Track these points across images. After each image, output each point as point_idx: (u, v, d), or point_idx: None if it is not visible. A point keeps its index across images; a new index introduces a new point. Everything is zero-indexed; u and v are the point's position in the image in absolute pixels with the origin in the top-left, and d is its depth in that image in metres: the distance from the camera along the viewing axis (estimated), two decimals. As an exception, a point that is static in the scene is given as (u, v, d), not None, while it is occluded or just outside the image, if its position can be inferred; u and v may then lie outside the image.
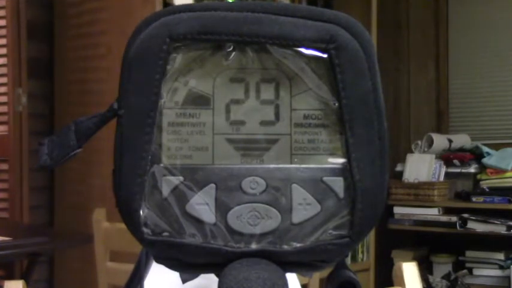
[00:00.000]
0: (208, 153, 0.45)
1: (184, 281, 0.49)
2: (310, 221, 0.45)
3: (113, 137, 0.44)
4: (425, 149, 3.56)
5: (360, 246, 3.24)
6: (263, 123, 0.45)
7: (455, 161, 3.48)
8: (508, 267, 3.29)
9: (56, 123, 3.17)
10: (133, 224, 0.44)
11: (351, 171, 0.44)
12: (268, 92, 0.45)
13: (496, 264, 3.34)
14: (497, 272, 3.34)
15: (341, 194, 0.45)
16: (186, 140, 0.45)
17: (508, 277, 3.28)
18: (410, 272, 0.73)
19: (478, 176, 3.46)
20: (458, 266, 3.45)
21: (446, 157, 3.52)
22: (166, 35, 0.44)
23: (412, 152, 3.61)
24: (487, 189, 3.36)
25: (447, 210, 3.41)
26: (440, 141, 3.53)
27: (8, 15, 3.00)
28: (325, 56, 0.45)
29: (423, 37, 3.81)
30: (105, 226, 1.89)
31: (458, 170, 3.49)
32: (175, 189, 0.44)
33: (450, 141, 3.55)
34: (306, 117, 0.45)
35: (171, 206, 0.44)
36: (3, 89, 3.17)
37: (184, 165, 0.45)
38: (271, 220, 0.44)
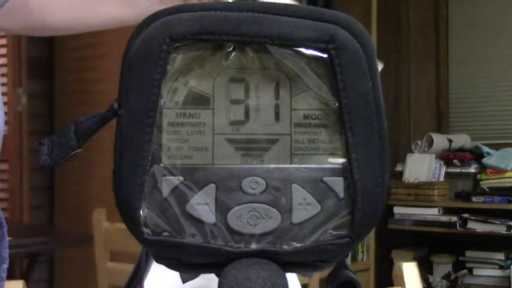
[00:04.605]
0: (208, 153, 0.45)
1: (184, 281, 0.49)
2: (310, 221, 0.45)
3: (113, 137, 0.44)
4: (425, 149, 3.56)
5: (360, 246, 3.24)
6: (263, 123, 0.45)
7: (455, 161, 3.48)
8: (508, 267, 3.29)
9: (56, 123, 3.17)
10: (133, 224, 0.44)
11: (351, 171, 0.44)
12: (268, 92, 0.45)
13: (496, 264, 3.34)
14: (497, 272, 3.34)
15: (341, 194, 0.45)
16: (186, 140, 0.45)
17: (508, 277, 3.28)
18: (410, 272, 0.73)
19: (478, 176, 3.46)
20: (458, 266, 3.45)
21: (446, 157, 3.52)
22: (166, 35, 0.44)
23: (412, 152, 3.61)
24: (487, 189, 3.36)
25: (447, 210, 3.40)
26: (440, 141, 3.53)
27: (8, 15, 3.00)
28: (325, 56, 0.45)
29: (423, 37, 3.81)
30: (105, 226, 1.89)
31: (458, 170, 3.49)
32: (175, 189, 0.44)
33: (450, 141, 3.55)
34: (306, 117, 0.45)
35: (171, 206, 0.44)
36: (3, 89, 3.17)
37: (184, 165, 0.45)
38: (271, 220, 0.44)
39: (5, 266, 0.80)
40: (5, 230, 0.81)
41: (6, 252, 0.81)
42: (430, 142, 3.54)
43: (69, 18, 0.90)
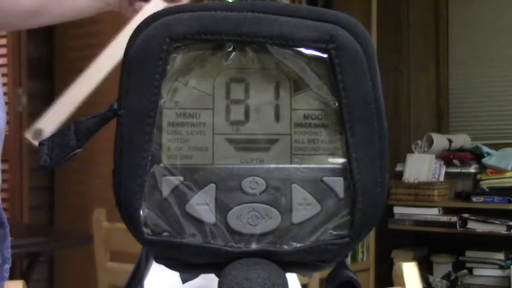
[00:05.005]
0: (208, 153, 0.45)
1: (184, 281, 0.49)
2: (310, 221, 0.45)
3: (113, 137, 0.44)
4: (425, 149, 3.56)
5: (360, 246, 3.24)
6: (263, 123, 0.45)
7: (455, 161, 3.48)
8: (508, 267, 3.29)
9: (56, 123, 3.16)
10: (133, 224, 0.44)
11: (351, 171, 0.44)
12: (268, 92, 0.45)
13: (496, 264, 3.33)
14: (497, 272, 3.33)
15: (341, 194, 0.45)
16: (186, 140, 0.45)
17: (508, 277, 3.28)
18: (410, 272, 0.73)
19: (478, 176, 3.45)
20: (458, 266, 3.45)
21: (446, 157, 3.52)
22: (166, 35, 0.44)
23: (412, 152, 3.61)
24: (487, 189, 3.36)
25: (447, 210, 3.40)
26: (440, 141, 3.53)
27: (8, 15, 2.99)
28: (325, 56, 0.45)
29: (423, 37, 3.81)
30: (105, 226, 1.89)
31: (458, 170, 3.49)
32: (175, 189, 0.44)
33: (450, 141, 3.55)
34: (306, 117, 0.45)
35: (171, 206, 0.44)
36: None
37: (184, 165, 0.45)
38: (271, 220, 0.44)
39: (8, 266, 0.81)
40: (7, 230, 0.81)
41: (8, 252, 0.81)
42: (430, 142, 3.54)
43: (33, 7, 0.91)
